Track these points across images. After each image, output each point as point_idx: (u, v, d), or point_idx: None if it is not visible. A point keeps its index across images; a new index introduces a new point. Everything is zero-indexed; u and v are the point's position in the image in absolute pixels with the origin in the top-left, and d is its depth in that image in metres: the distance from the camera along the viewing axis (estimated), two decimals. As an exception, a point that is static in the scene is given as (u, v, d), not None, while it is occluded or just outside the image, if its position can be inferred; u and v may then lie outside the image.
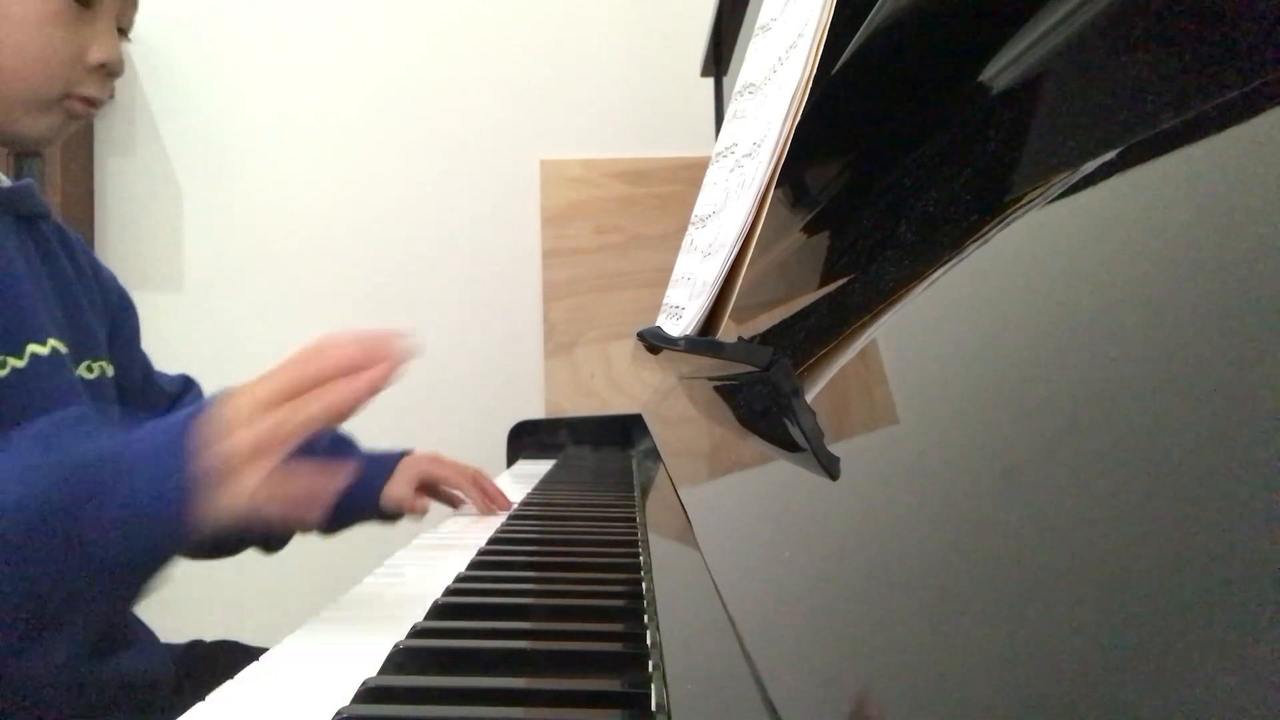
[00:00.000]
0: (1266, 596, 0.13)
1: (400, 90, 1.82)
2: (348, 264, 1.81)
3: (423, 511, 0.92)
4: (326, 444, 0.92)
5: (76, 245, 0.83)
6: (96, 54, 0.73)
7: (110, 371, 0.81)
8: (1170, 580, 0.15)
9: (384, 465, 0.92)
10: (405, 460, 0.93)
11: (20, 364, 0.69)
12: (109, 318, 0.84)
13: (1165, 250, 0.20)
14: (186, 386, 0.95)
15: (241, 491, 0.49)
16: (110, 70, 0.74)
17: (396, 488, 0.91)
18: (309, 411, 0.51)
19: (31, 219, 0.77)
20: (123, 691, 0.69)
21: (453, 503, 0.94)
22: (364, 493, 0.90)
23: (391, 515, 0.92)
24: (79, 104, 0.73)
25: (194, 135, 1.81)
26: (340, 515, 0.91)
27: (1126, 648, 0.15)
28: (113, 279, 0.88)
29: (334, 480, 0.54)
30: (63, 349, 0.73)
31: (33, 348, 0.70)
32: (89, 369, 0.78)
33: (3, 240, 0.72)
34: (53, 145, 0.76)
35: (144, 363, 0.91)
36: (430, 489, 0.93)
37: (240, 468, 0.49)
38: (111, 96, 0.77)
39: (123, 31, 0.78)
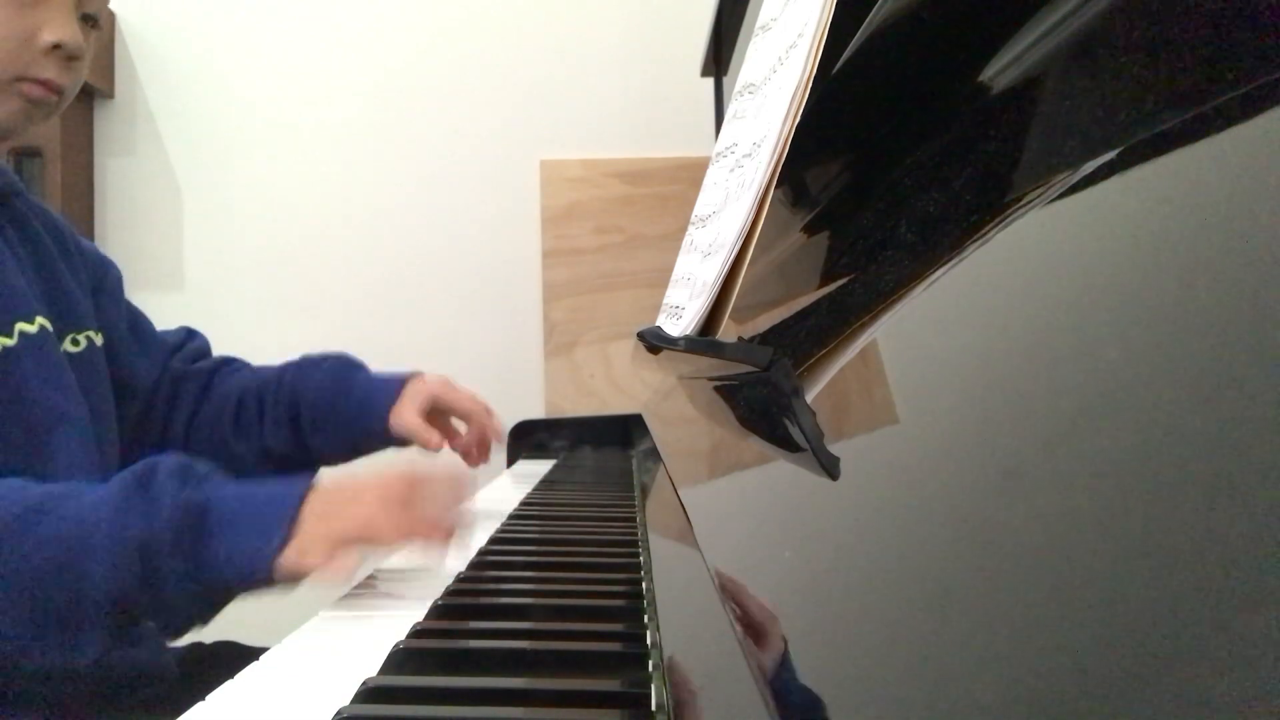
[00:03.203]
0: (1268, 597, 0.13)
1: (400, 90, 1.82)
2: (348, 264, 1.81)
3: (437, 446, 0.86)
4: (332, 365, 0.90)
5: (54, 221, 0.82)
6: (49, 35, 0.71)
7: (99, 341, 0.80)
8: (1171, 580, 0.15)
9: (390, 387, 0.88)
10: (414, 383, 0.88)
11: (10, 343, 0.68)
12: (91, 287, 0.83)
13: (1165, 250, 0.20)
14: (189, 337, 0.94)
15: (310, 567, 0.56)
16: (68, 53, 0.72)
17: (405, 412, 0.85)
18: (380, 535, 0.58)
19: (4, 196, 0.76)
20: (129, 686, 0.70)
21: (451, 436, 0.90)
22: (370, 417, 0.86)
23: (403, 441, 0.87)
24: (36, 88, 0.72)
25: (194, 135, 1.81)
26: (349, 443, 0.88)
27: (1127, 648, 0.15)
28: (92, 248, 0.87)
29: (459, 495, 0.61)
30: (49, 326, 0.73)
31: (21, 326, 0.70)
32: (74, 342, 0.77)
33: None
34: (17, 135, 0.74)
35: (132, 315, 0.88)
36: (439, 415, 0.88)
37: (315, 552, 0.56)
38: (78, 85, 0.75)
39: (90, 20, 0.75)
